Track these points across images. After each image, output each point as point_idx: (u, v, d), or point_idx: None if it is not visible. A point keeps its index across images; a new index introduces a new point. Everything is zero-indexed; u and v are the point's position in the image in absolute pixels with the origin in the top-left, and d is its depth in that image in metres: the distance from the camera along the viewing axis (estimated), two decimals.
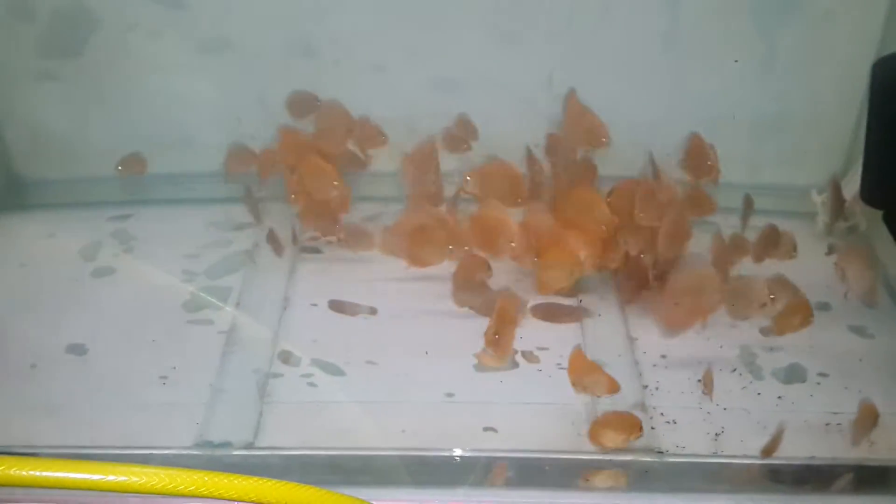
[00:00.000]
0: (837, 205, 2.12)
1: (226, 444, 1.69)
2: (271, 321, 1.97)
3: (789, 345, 1.99)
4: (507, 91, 2.19)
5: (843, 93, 2.20)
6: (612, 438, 1.70)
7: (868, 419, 1.75)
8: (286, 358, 1.89)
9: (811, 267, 2.13)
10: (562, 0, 2.15)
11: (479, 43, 2.16)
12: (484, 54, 2.18)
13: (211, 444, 1.69)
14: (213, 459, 1.66)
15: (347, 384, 1.82)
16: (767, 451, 1.67)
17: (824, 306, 2.11)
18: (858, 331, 2.07)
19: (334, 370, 1.86)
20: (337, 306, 2.09)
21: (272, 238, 2.16)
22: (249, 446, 1.66)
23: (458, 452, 1.67)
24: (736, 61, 2.14)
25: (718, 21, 2.19)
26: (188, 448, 1.66)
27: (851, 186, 2.22)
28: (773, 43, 2.21)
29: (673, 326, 1.93)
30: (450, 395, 1.81)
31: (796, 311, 1.87)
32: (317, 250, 2.28)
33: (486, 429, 1.72)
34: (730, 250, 2.03)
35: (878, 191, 1.98)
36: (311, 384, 1.83)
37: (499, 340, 1.87)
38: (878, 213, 2.19)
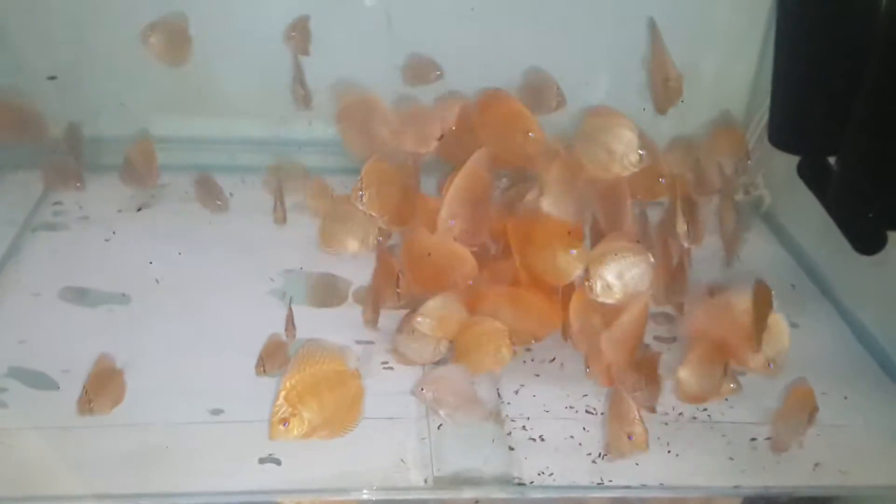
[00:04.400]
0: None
1: None
2: None
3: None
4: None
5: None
6: None
7: (800, 410, 1.27)
8: None
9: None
10: None
11: None
12: None
13: None
14: None
15: (56, 403, 1.29)
16: None
17: None
18: None
19: (43, 383, 1.33)
20: (72, 295, 1.52)
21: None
22: None
23: (216, 498, 1.16)
24: None
25: None
26: None
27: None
28: None
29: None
30: (217, 411, 1.31)
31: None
32: (60, 226, 1.69)
33: (263, 460, 1.21)
34: None
35: (790, 130, 1.54)
36: None
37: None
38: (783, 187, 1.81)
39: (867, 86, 1.31)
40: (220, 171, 1.81)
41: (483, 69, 1.66)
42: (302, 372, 1.17)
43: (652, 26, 1.67)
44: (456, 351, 1.36)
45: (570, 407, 1.35)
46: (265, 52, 1.71)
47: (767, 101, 1.62)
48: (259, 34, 1.74)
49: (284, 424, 1.14)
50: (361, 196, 1.46)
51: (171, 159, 1.82)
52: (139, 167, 1.72)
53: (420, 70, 1.72)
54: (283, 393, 1.15)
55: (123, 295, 1.51)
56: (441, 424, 1.28)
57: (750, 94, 1.92)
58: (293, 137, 1.87)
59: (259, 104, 1.83)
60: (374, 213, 1.49)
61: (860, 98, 1.34)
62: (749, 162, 1.70)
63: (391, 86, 1.74)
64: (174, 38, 1.61)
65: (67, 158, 1.75)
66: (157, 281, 1.54)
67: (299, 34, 1.68)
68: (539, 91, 1.64)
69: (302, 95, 1.67)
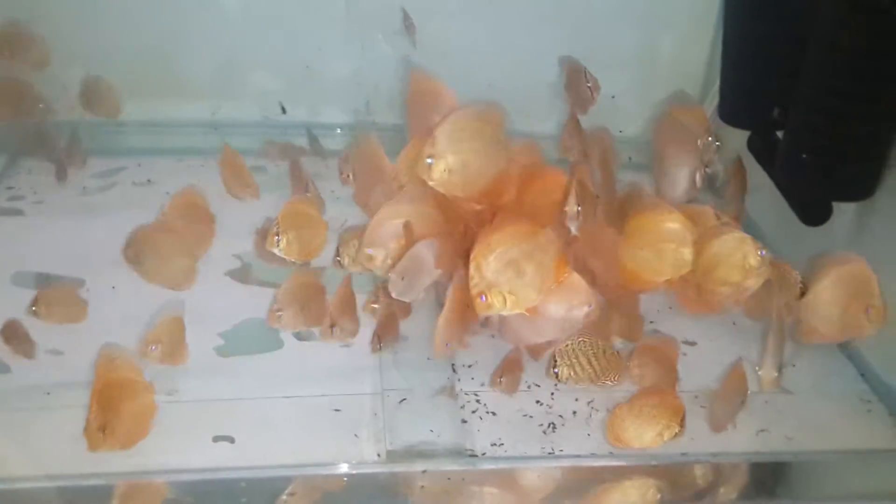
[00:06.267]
0: None
1: None
2: None
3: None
4: None
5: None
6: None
7: (736, 391, 1.30)
8: None
9: None
10: None
11: None
12: None
13: None
14: None
15: (6, 386, 1.30)
16: None
17: None
18: None
19: None
20: (25, 280, 1.52)
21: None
22: None
23: (170, 476, 1.17)
24: None
25: None
26: None
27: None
28: None
29: None
30: (172, 391, 1.30)
31: None
32: (13, 211, 1.69)
33: (217, 438, 1.22)
34: None
35: (739, 106, 1.58)
36: None
37: None
38: None
39: (811, 59, 1.34)
40: (173, 154, 1.85)
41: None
42: (102, 379, 1.18)
43: None
44: None
45: (523, 381, 1.37)
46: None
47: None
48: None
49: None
50: (278, 241, 1.38)
51: (128, 143, 1.86)
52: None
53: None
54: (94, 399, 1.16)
55: (78, 278, 1.50)
56: (403, 399, 1.30)
57: (705, 73, 1.94)
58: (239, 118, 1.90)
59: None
60: (291, 259, 1.40)
61: (805, 71, 1.36)
62: (711, 139, 1.70)
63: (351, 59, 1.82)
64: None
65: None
66: (111, 264, 1.53)
67: None
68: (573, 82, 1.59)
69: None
